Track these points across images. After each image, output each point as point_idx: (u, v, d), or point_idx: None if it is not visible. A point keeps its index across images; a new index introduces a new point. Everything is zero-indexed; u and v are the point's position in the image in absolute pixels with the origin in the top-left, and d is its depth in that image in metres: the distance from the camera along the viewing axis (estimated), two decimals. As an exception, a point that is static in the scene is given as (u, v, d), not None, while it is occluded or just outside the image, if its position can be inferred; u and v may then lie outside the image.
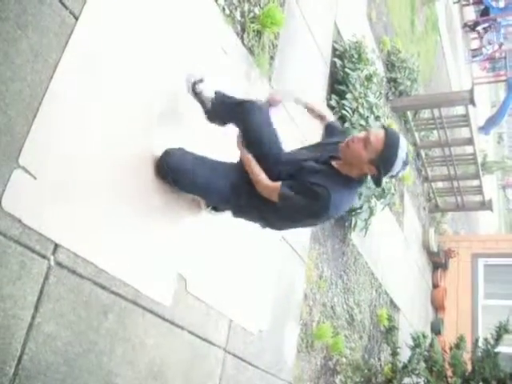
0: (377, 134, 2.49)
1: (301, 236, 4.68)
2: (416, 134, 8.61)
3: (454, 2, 16.69)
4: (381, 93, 6.48)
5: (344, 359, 5.36)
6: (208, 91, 3.08)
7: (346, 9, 6.35)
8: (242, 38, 3.84)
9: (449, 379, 4.98)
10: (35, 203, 2.15)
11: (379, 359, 6.47)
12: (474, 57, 18.69)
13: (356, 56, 5.81)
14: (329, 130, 3.12)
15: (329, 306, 5.21)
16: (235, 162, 2.91)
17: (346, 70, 5.62)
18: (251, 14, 3.95)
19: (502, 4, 18.54)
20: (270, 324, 4.00)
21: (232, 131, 2.95)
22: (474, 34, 18.57)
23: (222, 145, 3.12)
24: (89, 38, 2.45)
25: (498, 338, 5.01)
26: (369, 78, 5.88)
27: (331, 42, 5.83)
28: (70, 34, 2.33)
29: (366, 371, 5.33)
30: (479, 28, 17.83)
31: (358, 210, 5.45)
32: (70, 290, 2.28)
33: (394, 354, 5.27)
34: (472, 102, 7.36)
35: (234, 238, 3.56)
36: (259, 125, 2.80)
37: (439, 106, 7.91)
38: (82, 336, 2.32)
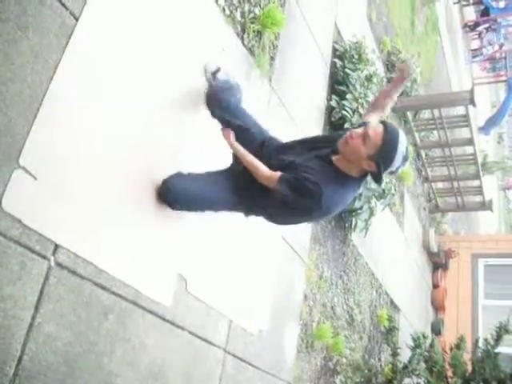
0: (376, 129, 2.46)
1: (301, 236, 4.68)
2: (416, 135, 8.60)
3: (455, 3, 16.69)
4: (381, 93, 6.47)
5: (344, 359, 5.36)
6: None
7: (347, 9, 6.36)
8: (242, 39, 3.85)
9: (449, 380, 4.98)
10: (35, 203, 2.15)
11: (379, 359, 6.47)
12: (474, 57, 18.68)
13: (356, 56, 5.81)
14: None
15: (329, 306, 5.21)
16: (228, 166, 2.92)
17: (347, 70, 5.62)
18: (251, 15, 3.95)
19: (502, 4, 18.54)
20: (269, 324, 4.00)
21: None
22: (474, 35, 18.56)
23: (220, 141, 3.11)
24: (89, 38, 2.45)
25: (498, 339, 5.00)
26: (369, 79, 5.88)
27: (331, 42, 5.83)
28: (70, 34, 2.34)
29: (366, 371, 5.33)
30: (479, 28, 17.82)
31: (359, 211, 5.45)
32: (71, 291, 2.28)
33: (395, 354, 5.27)
34: (472, 102, 7.36)
35: (234, 238, 3.56)
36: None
37: (439, 106, 7.91)
38: (83, 336, 2.32)
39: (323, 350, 4.98)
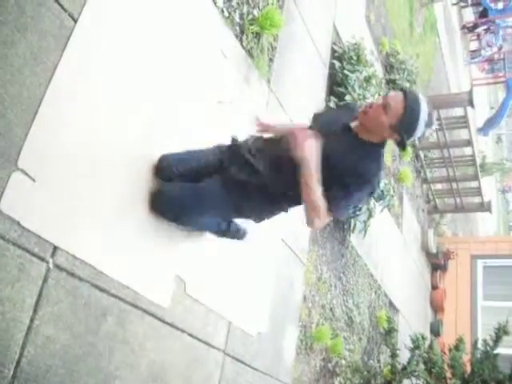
0: (396, 98, 2.38)
1: (300, 238, 4.68)
2: (415, 136, 8.59)
3: (453, 4, 16.71)
4: (380, 94, 6.47)
5: (343, 361, 5.36)
6: None
7: (345, 10, 6.36)
8: (241, 41, 3.85)
9: (448, 381, 4.98)
10: (34, 205, 2.14)
11: (378, 361, 6.47)
12: (472, 58, 18.70)
13: (355, 58, 5.81)
14: (317, 117, 2.89)
15: (328, 307, 5.21)
16: (220, 177, 2.80)
17: (345, 71, 5.62)
18: (250, 16, 3.95)
19: (500, 5, 18.55)
20: (269, 326, 3.99)
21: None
22: (472, 36, 18.58)
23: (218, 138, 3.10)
24: (88, 40, 2.45)
25: (497, 340, 5.00)
26: (368, 80, 5.88)
27: (330, 43, 5.83)
28: (68, 36, 2.33)
29: (365, 373, 5.33)
30: (478, 30, 17.84)
31: (357, 212, 5.44)
32: (69, 293, 2.27)
33: (394, 355, 5.27)
34: (471, 103, 7.38)
35: (233, 240, 3.56)
36: None
37: (438, 107, 7.92)
38: (81, 339, 2.31)
39: (322, 351, 4.97)
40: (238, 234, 3.29)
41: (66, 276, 2.26)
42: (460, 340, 5.26)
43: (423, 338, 5.27)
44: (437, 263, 9.80)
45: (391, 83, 7.87)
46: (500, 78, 18.31)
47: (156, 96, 2.91)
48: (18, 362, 2.03)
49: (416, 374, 5.09)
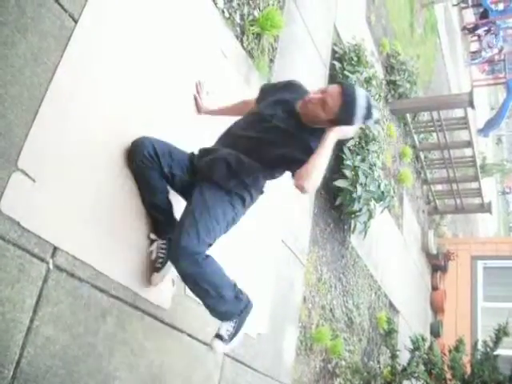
0: (333, 95, 2.48)
1: (300, 239, 4.68)
2: (415, 137, 8.61)
3: (454, 5, 16.70)
4: (380, 95, 6.49)
5: (343, 362, 5.36)
6: None
7: (346, 11, 6.36)
8: (241, 41, 3.85)
9: (448, 382, 4.98)
10: (34, 206, 2.14)
11: (378, 362, 6.46)
12: (473, 59, 18.69)
13: (355, 58, 5.81)
14: (264, 91, 2.97)
15: (328, 308, 5.21)
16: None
17: (346, 72, 5.62)
18: (251, 17, 3.95)
19: (501, 6, 18.55)
20: (268, 327, 3.99)
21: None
22: (473, 37, 18.57)
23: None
24: (88, 41, 2.45)
25: (497, 341, 5.00)
26: (368, 81, 5.88)
27: (330, 44, 5.83)
28: (69, 37, 2.34)
29: (365, 374, 5.33)
30: (479, 31, 17.83)
31: (358, 213, 5.44)
32: (69, 293, 2.27)
33: (394, 356, 5.27)
34: (471, 104, 7.37)
35: (232, 241, 3.55)
36: None
37: (438, 108, 7.92)
38: (81, 339, 2.31)
39: (322, 352, 4.97)
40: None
41: (65, 277, 2.26)
42: (460, 341, 5.26)
43: (423, 339, 5.27)
44: (437, 264, 9.80)
45: (392, 84, 7.87)
46: (500, 79, 18.29)
47: (156, 97, 2.90)
48: (18, 363, 2.03)
49: (416, 375, 5.09)
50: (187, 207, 2.62)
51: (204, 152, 2.82)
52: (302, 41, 5.01)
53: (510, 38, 21.05)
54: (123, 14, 2.68)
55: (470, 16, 18.91)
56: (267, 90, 2.95)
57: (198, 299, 3.10)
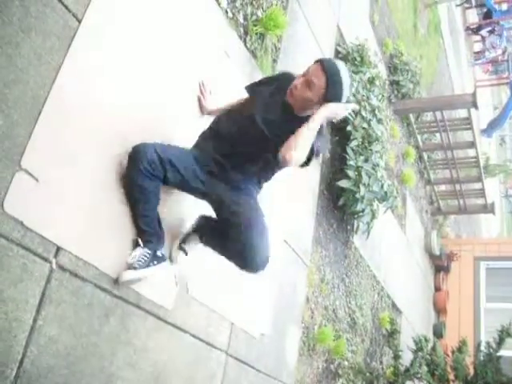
0: (316, 73, 2.51)
1: (303, 239, 4.68)
2: (418, 137, 8.60)
3: (457, 5, 16.68)
4: (383, 95, 6.48)
5: (346, 362, 5.35)
6: None
7: (349, 12, 6.36)
8: (244, 41, 3.85)
9: (451, 383, 4.97)
10: (37, 206, 2.14)
11: (381, 362, 6.45)
12: (476, 60, 18.67)
13: (359, 59, 5.81)
14: (252, 89, 2.97)
15: (331, 309, 5.20)
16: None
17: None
18: (254, 17, 3.95)
19: (504, 7, 18.53)
20: (271, 327, 3.99)
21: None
22: (476, 37, 18.55)
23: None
24: (92, 40, 2.45)
25: (500, 342, 4.99)
26: (371, 81, 5.88)
27: (334, 44, 5.83)
28: (72, 36, 2.34)
29: (367, 374, 5.33)
30: (482, 32, 17.81)
31: (361, 213, 5.44)
32: (72, 293, 2.27)
33: (396, 357, 5.26)
34: (474, 105, 7.36)
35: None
36: None
37: (441, 108, 7.91)
38: (84, 339, 2.31)
39: (325, 352, 4.97)
40: None
41: (69, 276, 2.26)
42: (463, 342, 5.26)
43: (426, 339, 5.26)
44: (440, 265, 9.78)
45: (395, 84, 7.86)
46: (504, 80, 18.27)
47: (159, 97, 2.90)
48: (21, 362, 2.03)
49: (419, 376, 5.09)
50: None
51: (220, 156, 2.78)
52: (306, 41, 5.01)
53: (514, 39, 21.02)
54: (127, 14, 2.68)
55: (474, 16, 18.89)
56: (258, 89, 2.93)
57: (201, 299, 3.12)
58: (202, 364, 3.17)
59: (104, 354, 2.42)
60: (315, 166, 5.05)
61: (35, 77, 2.15)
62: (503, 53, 17.95)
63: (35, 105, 2.15)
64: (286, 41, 4.47)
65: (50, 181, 2.20)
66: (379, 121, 5.69)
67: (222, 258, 2.88)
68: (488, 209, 9.81)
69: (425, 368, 5.08)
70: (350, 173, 5.19)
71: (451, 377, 5.01)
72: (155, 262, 2.63)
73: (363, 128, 5.42)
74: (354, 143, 5.35)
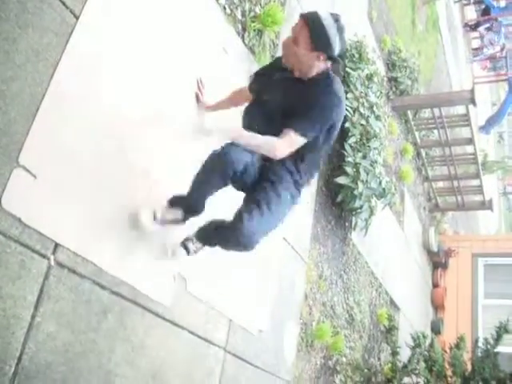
0: (298, 27, 2.49)
1: (301, 236, 4.68)
2: (416, 134, 8.60)
3: (455, 2, 16.66)
4: (381, 92, 6.47)
5: (344, 359, 5.36)
6: None
7: (347, 8, 6.34)
8: (242, 38, 3.84)
9: (448, 379, 4.97)
10: (35, 202, 2.14)
11: (379, 359, 6.47)
12: (474, 56, 18.66)
13: (357, 55, 5.81)
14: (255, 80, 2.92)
15: (329, 305, 5.21)
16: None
17: (347, 69, 5.60)
18: (252, 13, 3.94)
19: (503, 3, 18.52)
20: (269, 324, 3.99)
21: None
22: (474, 34, 18.55)
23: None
24: (89, 37, 2.44)
25: (497, 338, 5.00)
26: (369, 78, 5.87)
27: (332, 41, 5.81)
28: (70, 33, 2.33)
29: (365, 371, 5.33)
30: (480, 29, 17.80)
31: (359, 210, 5.44)
32: (70, 290, 2.27)
33: (394, 353, 5.27)
34: (473, 101, 7.36)
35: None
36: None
37: (440, 105, 7.91)
38: (82, 336, 2.31)
39: (323, 349, 4.97)
40: None
41: (67, 273, 2.26)
42: (461, 338, 5.26)
43: (424, 336, 5.26)
44: (438, 261, 9.79)
45: (393, 81, 7.86)
46: (502, 76, 18.28)
47: (157, 93, 2.90)
48: (19, 359, 2.04)
49: (417, 372, 5.09)
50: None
51: None
52: (304, 37, 4.99)
53: (512, 35, 21.02)
54: (124, 10, 2.68)
55: (472, 13, 18.88)
56: (259, 76, 2.89)
57: (199, 295, 3.12)
58: (200, 361, 3.17)
59: (102, 351, 2.42)
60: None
61: (33, 73, 2.15)
62: (501, 49, 17.94)
63: (33, 101, 2.15)
64: (284, 37, 4.45)
65: (47, 177, 2.20)
66: (377, 117, 5.69)
67: (221, 255, 2.88)
68: (486, 205, 9.81)
69: (423, 364, 5.08)
70: (348, 169, 5.19)
71: (449, 373, 5.01)
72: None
73: (361, 125, 5.42)
74: (352, 140, 5.35)
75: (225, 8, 3.63)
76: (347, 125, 5.33)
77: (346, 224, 5.77)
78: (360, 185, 5.17)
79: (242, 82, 3.71)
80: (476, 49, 18.80)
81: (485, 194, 9.58)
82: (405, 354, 5.30)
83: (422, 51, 10.16)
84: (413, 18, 9.90)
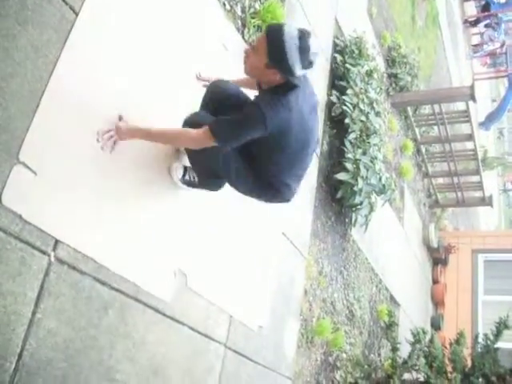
0: (259, 37, 2.43)
1: (301, 232, 4.68)
2: (416, 130, 8.60)
3: (455, -3, 16.65)
4: (381, 88, 6.47)
5: (344, 355, 5.37)
6: None
7: (347, 4, 6.34)
8: (242, 34, 3.83)
9: (449, 375, 4.98)
10: (35, 199, 2.14)
11: (379, 355, 6.48)
12: (474, 53, 18.64)
13: (357, 51, 5.80)
14: None
15: (329, 301, 5.21)
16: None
17: (347, 65, 5.61)
18: (252, 10, 3.94)
19: (502, -1, 18.50)
20: (270, 320, 4.00)
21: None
22: (474, 30, 18.52)
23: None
24: (89, 33, 2.44)
25: (497, 334, 5.01)
26: (369, 74, 5.87)
27: (332, 37, 5.81)
28: (70, 29, 2.33)
29: (366, 367, 5.34)
30: (480, 25, 17.79)
31: (359, 206, 5.45)
32: (71, 286, 2.28)
33: (394, 349, 5.27)
34: (472, 97, 7.35)
35: (234, 233, 3.56)
36: None
37: (440, 101, 7.90)
38: (83, 332, 2.32)
39: (323, 345, 4.98)
40: None
41: (67, 269, 2.27)
42: (461, 334, 5.27)
43: (424, 332, 5.27)
44: (438, 257, 9.81)
45: (393, 77, 7.85)
46: (502, 73, 18.25)
47: (157, 89, 2.90)
48: (20, 356, 2.04)
49: (417, 368, 5.10)
50: None
51: None
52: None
53: (512, 31, 21.00)
54: (124, 7, 2.68)
55: (472, 9, 18.85)
56: None
57: (199, 291, 3.12)
58: (201, 357, 3.18)
59: (103, 347, 2.43)
60: (313, 159, 5.04)
61: (32, 70, 2.15)
62: (501, 46, 17.92)
63: (33, 98, 2.15)
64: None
65: (48, 174, 2.20)
66: (377, 114, 5.69)
67: (222, 250, 2.87)
68: (486, 202, 9.82)
69: (423, 360, 5.09)
70: (348, 166, 5.19)
71: (449, 369, 5.02)
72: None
73: (361, 121, 5.41)
74: (352, 136, 5.35)
75: (224, 4, 3.63)
76: (347, 121, 5.33)
77: (346, 220, 5.77)
78: (360, 181, 5.18)
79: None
80: (476, 45, 18.78)
81: (485, 190, 9.58)
82: (405, 350, 5.31)
83: (421, 47, 10.15)
84: (413, 13, 9.88)
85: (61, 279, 2.23)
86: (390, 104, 7.69)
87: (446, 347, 5.23)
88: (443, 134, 8.52)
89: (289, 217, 4.40)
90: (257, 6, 4.00)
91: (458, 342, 5.20)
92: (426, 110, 8.66)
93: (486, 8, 17.47)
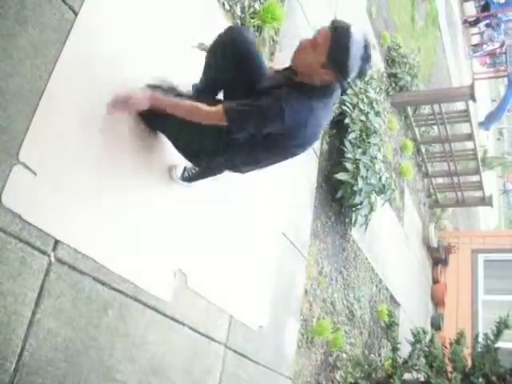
0: (323, 33, 2.24)
1: (301, 232, 4.68)
2: (416, 130, 8.60)
3: (455, -3, 16.65)
4: (381, 88, 6.47)
5: (344, 355, 5.37)
6: None
7: (347, 4, 6.33)
8: (242, 34, 3.83)
9: (449, 375, 4.98)
10: (35, 199, 2.14)
11: (379, 355, 6.48)
12: (474, 52, 18.65)
13: (356, 51, 5.79)
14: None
15: (329, 301, 5.21)
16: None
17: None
18: (251, 10, 3.94)
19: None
20: (270, 320, 4.00)
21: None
22: (474, 30, 18.53)
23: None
24: (89, 33, 2.44)
25: (498, 334, 5.00)
26: (369, 74, 5.87)
27: (331, 37, 5.80)
28: (69, 29, 2.33)
29: (366, 367, 5.33)
30: (480, 25, 17.79)
31: (359, 206, 5.44)
32: (71, 286, 2.28)
33: (394, 349, 5.27)
34: (472, 97, 7.35)
35: (234, 234, 3.56)
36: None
37: (439, 101, 7.91)
38: (83, 332, 2.32)
39: (323, 345, 4.98)
40: None
41: (67, 270, 2.26)
42: (461, 334, 5.27)
43: (424, 332, 5.27)
44: (438, 257, 9.81)
45: (392, 77, 7.86)
46: (502, 73, 18.26)
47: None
48: (20, 356, 2.04)
49: (417, 367, 5.09)
50: None
51: None
52: (303, 33, 4.98)
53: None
54: (124, 7, 2.67)
55: (472, 9, 18.85)
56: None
57: (199, 291, 3.12)
58: (201, 357, 3.17)
59: (103, 347, 2.42)
60: (313, 159, 5.05)
61: (32, 70, 2.14)
62: (501, 46, 17.93)
63: (32, 98, 2.14)
64: (283, 33, 4.46)
65: (47, 174, 2.19)
66: (377, 113, 5.69)
67: (222, 250, 2.87)
68: (486, 201, 9.82)
69: (423, 360, 5.09)
70: (348, 165, 5.19)
71: (449, 368, 5.02)
72: None
73: (361, 121, 5.41)
74: (351, 136, 5.35)
75: (224, 4, 3.63)
76: (347, 121, 5.32)
77: (346, 220, 5.77)
78: (360, 181, 5.18)
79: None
80: (476, 45, 18.78)
81: (484, 190, 9.58)
82: (405, 350, 5.31)
83: (421, 47, 10.15)
84: (412, 14, 9.89)
85: (61, 279, 2.23)
86: (390, 104, 7.69)
87: (446, 347, 5.23)
88: (443, 134, 8.53)
89: (289, 217, 4.40)
90: (256, 6, 3.99)
91: (458, 341, 5.19)
92: (426, 109, 8.67)
93: (485, 8, 17.47)
